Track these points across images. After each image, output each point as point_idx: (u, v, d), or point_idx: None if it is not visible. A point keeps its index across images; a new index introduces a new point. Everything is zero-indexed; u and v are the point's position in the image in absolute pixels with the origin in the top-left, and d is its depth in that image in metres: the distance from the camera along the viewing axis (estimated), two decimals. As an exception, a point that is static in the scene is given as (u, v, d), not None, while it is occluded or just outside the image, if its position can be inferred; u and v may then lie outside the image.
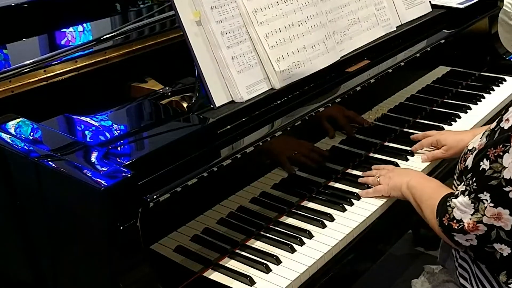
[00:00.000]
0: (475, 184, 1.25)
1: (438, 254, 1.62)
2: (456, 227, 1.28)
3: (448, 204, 1.31)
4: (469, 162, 1.31)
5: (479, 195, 1.23)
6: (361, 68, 1.75)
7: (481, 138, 1.28)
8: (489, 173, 1.21)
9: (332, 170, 1.68)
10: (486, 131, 1.29)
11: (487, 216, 1.23)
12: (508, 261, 1.28)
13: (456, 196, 1.30)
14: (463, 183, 1.30)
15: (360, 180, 1.63)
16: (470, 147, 1.31)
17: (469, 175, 1.28)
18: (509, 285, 1.31)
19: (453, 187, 1.46)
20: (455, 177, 1.45)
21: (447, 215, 1.30)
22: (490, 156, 1.22)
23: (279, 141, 1.50)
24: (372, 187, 1.59)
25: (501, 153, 1.20)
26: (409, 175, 1.56)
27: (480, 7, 2.21)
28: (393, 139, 1.86)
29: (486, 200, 1.22)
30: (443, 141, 1.72)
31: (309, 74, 1.59)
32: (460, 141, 1.68)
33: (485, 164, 1.22)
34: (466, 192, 1.27)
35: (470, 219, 1.25)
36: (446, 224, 1.30)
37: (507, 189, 1.19)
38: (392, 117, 1.91)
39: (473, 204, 1.25)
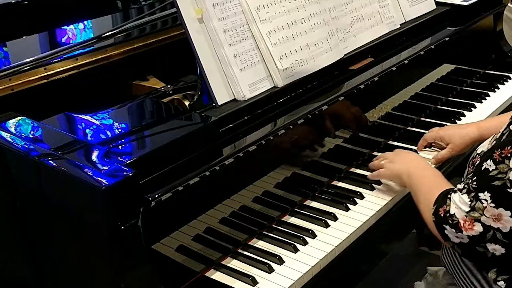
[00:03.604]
0: (474, 183, 1.23)
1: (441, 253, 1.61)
2: (450, 221, 1.26)
3: (448, 197, 1.30)
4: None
5: (478, 194, 1.22)
6: (364, 66, 1.74)
7: (490, 142, 1.27)
8: (494, 174, 1.20)
9: (335, 169, 1.67)
10: (495, 134, 1.28)
11: (486, 216, 1.21)
12: (500, 260, 1.26)
13: (455, 192, 1.29)
14: (463, 181, 1.29)
15: (370, 164, 1.64)
16: (479, 151, 1.30)
17: (470, 175, 1.27)
18: (497, 283, 1.30)
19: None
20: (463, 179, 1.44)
21: (444, 206, 1.29)
22: (495, 157, 1.20)
23: (281, 140, 1.49)
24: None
25: (509, 155, 1.18)
26: (411, 161, 1.55)
27: (484, 5, 2.20)
28: (397, 138, 1.85)
29: (486, 200, 1.20)
30: (447, 138, 1.71)
31: (312, 72, 1.58)
32: (465, 136, 1.67)
33: (488, 165, 1.21)
34: (464, 190, 1.25)
35: (466, 216, 1.23)
36: (442, 215, 1.28)
37: (511, 190, 1.18)
38: (396, 116, 1.90)
39: (470, 202, 1.23)
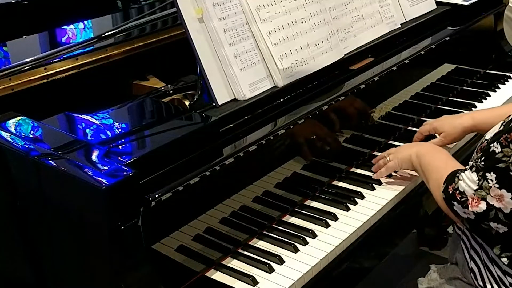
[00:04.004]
0: (482, 163, 1.28)
1: (449, 247, 1.61)
2: (458, 198, 1.32)
3: (457, 175, 1.35)
4: None
5: (485, 174, 1.27)
6: (365, 65, 1.74)
7: (499, 128, 1.31)
8: (499, 156, 1.25)
9: (336, 169, 1.67)
10: (503, 121, 1.31)
11: (491, 196, 1.27)
12: (503, 238, 1.32)
13: (464, 170, 1.34)
14: (473, 160, 1.34)
15: (373, 168, 1.64)
16: (487, 137, 1.34)
17: (479, 154, 1.31)
18: (501, 258, 1.35)
19: None
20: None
21: (453, 183, 1.34)
22: (502, 141, 1.25)
23: (281, 140, 1.49)
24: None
25: None
26: (418, 145, 1.60)
27: (485, 4, 2.20)
28: (398, 138, 1.85)
29: (492, 180, 1.26)
30: (440, 128, 1.72)
31: (312, 72, 1.57)
32: (458, 125, 1.70)
33: (495, 147, 1.26)
34: (474, 168, 1.30)
35: (474, 194, 1.29)
36: (451, 192, 1.34)
37: None
38: (397, 115, 1.89)
39: (478, 181, 1.28)
